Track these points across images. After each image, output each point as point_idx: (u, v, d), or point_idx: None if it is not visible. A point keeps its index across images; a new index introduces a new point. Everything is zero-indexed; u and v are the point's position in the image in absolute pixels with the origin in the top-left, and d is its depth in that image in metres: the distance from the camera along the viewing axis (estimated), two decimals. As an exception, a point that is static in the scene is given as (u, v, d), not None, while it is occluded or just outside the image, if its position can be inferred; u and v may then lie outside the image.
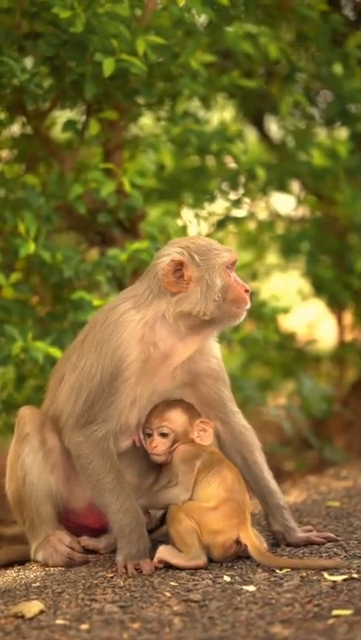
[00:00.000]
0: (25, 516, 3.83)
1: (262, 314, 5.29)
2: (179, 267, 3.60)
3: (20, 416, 3.89)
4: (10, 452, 3.89)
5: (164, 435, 3.66)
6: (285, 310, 5.48)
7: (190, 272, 3.61)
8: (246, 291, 3.65)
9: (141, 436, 3.72)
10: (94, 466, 3.63)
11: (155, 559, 3.55)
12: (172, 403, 3.71)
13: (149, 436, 3.69)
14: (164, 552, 3.55)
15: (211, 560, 3.58)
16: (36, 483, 3.78)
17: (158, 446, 3.66)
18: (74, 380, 3.72)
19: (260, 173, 5.25)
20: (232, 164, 5.33)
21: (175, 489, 3.61)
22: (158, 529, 3.84)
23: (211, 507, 3.53)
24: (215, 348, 3.81)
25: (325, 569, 3.44)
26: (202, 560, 3.52)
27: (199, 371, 3.75)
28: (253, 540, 3.52)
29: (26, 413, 3.89)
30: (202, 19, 5.24)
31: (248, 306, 3.67)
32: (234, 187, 5.44)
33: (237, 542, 3.54)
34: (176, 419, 3.67)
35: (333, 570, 3.42)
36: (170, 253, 3.64)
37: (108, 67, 4.26)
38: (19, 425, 3.88)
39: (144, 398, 3.67)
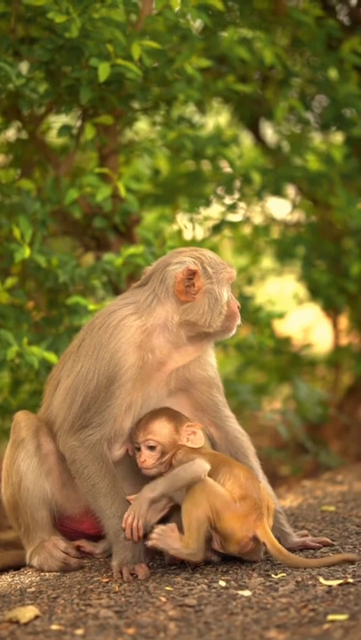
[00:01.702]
0: (20, 521, 3.83)
1: (258, 318, 5.29)
2: (191, 276, 3.62)
3: (16, 421, 3.89)
4: (5, 457, 3.89)
5: (151, 448, 3.61)
6: (281, 315, 5.48)
7: (201, 283, 3.62)
8: (238, 307, 3.71)
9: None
10: (89, 470, 3.62)
11: (153, 533, 3.47)
12: (156, 414, 3.66)
13: (138, 449, 3.65)
14: (161, 536, 3.45)
15: (207, 563, 3.58)
16: (32, 488, 3.78)
17: (147, 460, 3.61)
18: (69, 384, 3.71)
19: (256, 178, 5.26)
20: (227, 169, 5.33)
21: (195, 461, 3.47)
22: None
23: (235, 498, 3.47)
24: (210, 355, 3.82)
25: (349, 562, 3.45)
26: (199, 557, 3.48)
27: (193, 377, 3.75)
28: (272, 539, 3.49)
29: (21, 418, 3.89)
30: (197, 24, 5.26)
31: (239, 322, 3.72)
32: (229, 191, 5.45)
33: (255, 539, 3.50)
34: (160, 430, 3.61)
35: (329, 574, 3.42)
36: (183, 261, 3.64)
37: (104, 72, 4.27)
38: (14, 430, 3.88)
39: (138, 404, 3.67)
